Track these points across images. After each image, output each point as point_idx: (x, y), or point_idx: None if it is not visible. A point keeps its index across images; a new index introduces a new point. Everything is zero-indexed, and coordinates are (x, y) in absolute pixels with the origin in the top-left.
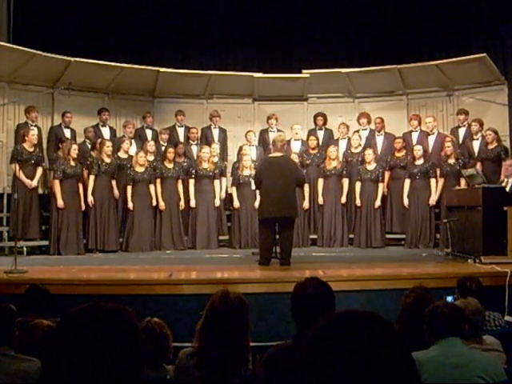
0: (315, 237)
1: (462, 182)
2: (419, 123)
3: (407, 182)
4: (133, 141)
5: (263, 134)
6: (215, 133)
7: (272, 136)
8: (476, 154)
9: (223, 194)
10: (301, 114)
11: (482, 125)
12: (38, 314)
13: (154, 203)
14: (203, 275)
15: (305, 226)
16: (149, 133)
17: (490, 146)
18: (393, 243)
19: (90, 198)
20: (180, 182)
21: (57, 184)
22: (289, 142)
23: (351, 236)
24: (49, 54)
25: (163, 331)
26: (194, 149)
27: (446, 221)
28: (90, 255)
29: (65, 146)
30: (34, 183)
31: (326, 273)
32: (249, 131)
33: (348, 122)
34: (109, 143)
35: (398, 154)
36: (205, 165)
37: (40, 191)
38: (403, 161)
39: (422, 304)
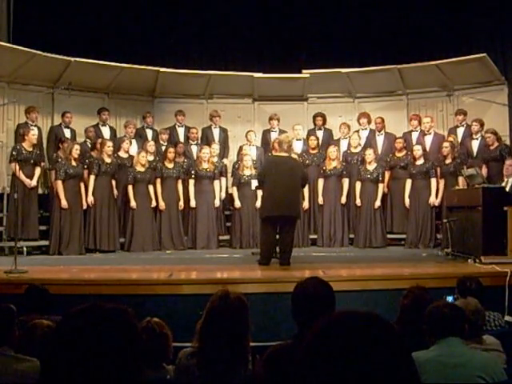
0: (315, 237)
1: (459, 181)
2: (419, 123)
3: (409, 182)
4: (133, 141)
5: (265, 134)
6: (216, 133)
7: (274, 136)
8: (475, 154)
9: (223, 194)
10: (301, 114)
11: (482, 125)
12: (37, 313)
13: (154, 203)
14: (203, 275)
15: (305, 226)
16: (149, 133)
17: (492, 147)
18: (393, 243)
19: (91, 198)
20: (180, 182)
21: (59, 184)
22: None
23: (351, 236)
24: (49, 54)
25: (163, 331)
26: (194, 149)
27: (446, 221)
28: (90, 255)
29: (66, 146)
30: (34, 183)
31: (327, 273)
32: (249, 131)
33: (348, 122)
34: (109, 143)
35: (398, 154)
36: (205, 165)
37: (40, 191)
38: (403, 161)
39: (421, 304)
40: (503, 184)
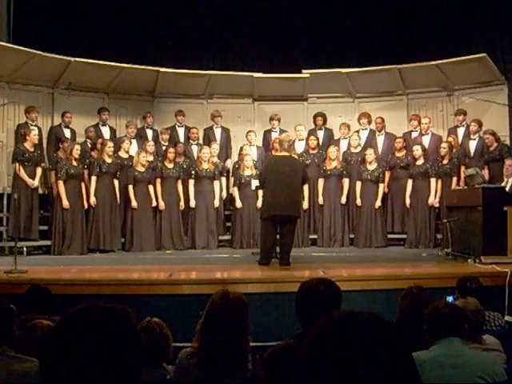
0: (315, 237)
1: (453, 182)
2: (419, 123)
3: (410, 182)
4: (134, 141)
5: (266, 134)
6: (217, 133)
7: (275, 136)
8: (472, 154)
9: (224, 194)
10: (301, 114)
11: (480, 126)
12: (38, 314)
13: (154, 203)
14: (203, 275)
15: (305, 226)
16: (149, 133)
17: (491, 148)
18: (393, 243)
19: (93, 199)
20: (180, 182)
21: (61, 185)
22: (293, 142)
23: (351, 236)
24: (49, 54)
25: (163, 331)
26: (195, 149)
27: (446, 221)
28: (90, 255)
29: (66, 146)
30: (36, 183)
31: (327, 273)
32: (249, 131)
33: (348, 122)
34: (110, 143)
35: (398, 154)
36: (205, 165)
37: (40, 191)
38: (403, 161)
39: (420, 304)
40: (503, 184)
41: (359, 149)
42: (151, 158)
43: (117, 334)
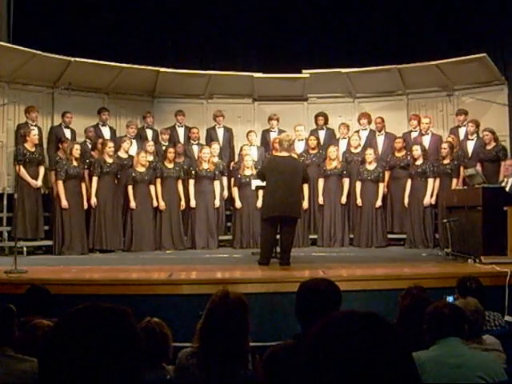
0: (315, 237)
1: (453, 183)
2: (419, 123)
3: (409, 182)
4: (134, 141)
5: (265, 134)
6: (220, 133)
7: (273, 136)
8: (470, 155)
9: (225, 194)
10: (301, 114)
11: (478, 126)
12: (38, 314)
13: (155, 203)
14: (203, 275)
15: (305, 226)
16: (149, 133)
17: (488, 147)
18: (393, 243)
19: (94, 200)
20: (180, 182)
21: (60, 185)
22: (293, 142)
23: (351, 236)
24: (49, 54)
25: (163, 331)
26: (195, 149)
27: (446, 221)
28: (90, 255)
29: (66, 146)
30: (39, 183)
31: (327, 273)
32: (250, 131)
33: (348, 122)
34: (111, 144)
35: (398, 154)
36: (205, 165)
37: (41, 191)
38: (403, 161)
39: (420, 304)
40: (503, 184)
41: (359, 149)
42: (151, 158)
43: (117, 334)
